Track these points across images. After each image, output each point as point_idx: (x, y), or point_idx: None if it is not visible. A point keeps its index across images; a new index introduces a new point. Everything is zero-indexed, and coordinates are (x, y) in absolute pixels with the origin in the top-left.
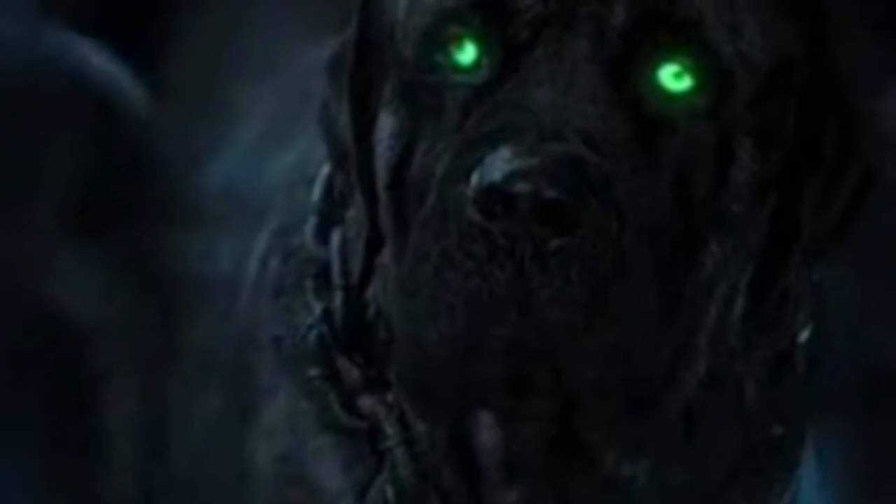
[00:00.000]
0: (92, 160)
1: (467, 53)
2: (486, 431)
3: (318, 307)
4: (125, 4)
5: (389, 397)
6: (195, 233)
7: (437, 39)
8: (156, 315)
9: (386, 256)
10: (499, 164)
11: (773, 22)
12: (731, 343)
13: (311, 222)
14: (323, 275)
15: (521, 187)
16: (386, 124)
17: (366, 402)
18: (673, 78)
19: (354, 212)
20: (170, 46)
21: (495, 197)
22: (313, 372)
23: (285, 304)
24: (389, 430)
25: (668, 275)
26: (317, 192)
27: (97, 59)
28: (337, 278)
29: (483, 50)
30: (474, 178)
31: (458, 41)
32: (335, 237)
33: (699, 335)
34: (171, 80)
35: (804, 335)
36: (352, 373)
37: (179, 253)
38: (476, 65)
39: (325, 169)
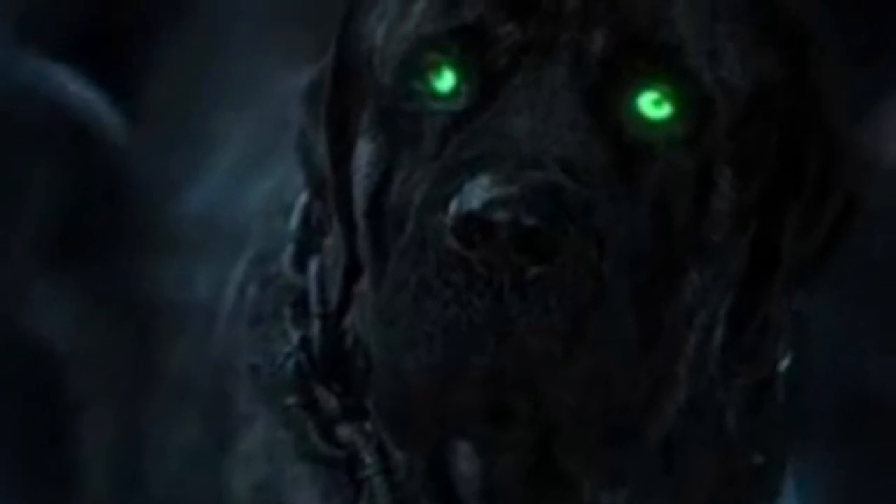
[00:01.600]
0: (69, 188)
1: (446, 81)
2: (465, 461)
3: (295, 335)
4: (102, 32)
5: (368, 426)
6: (173, 260)
7: (416, 67)
8: (133, 343)
9: (364, 285)
10: (477, 192)
11: (754, 49)
12: (712, 371)
13: (289, 250)
14: (301, 303)
15: (500, 215)
16: (364, 152)
17: (344, 431)
18: (652, 105)
19: (332, 240)
20: (147, 74)
21: (474, 225)
22: (291, 400)
23: (263, 333)
24: (368, 459)
25: (647, 303)
26: (294, 220)
27: (74, 87)
28: (315, 306)
29: (461, 77)
30: (453, 206)
31: (436, 68)
32: (313, 265)
33: (679, 363)
34: (148, 107)
35: (785, 363)
36: (330, 401)
37: (157, 281)
38: (454, 92)
39: (303, 197)
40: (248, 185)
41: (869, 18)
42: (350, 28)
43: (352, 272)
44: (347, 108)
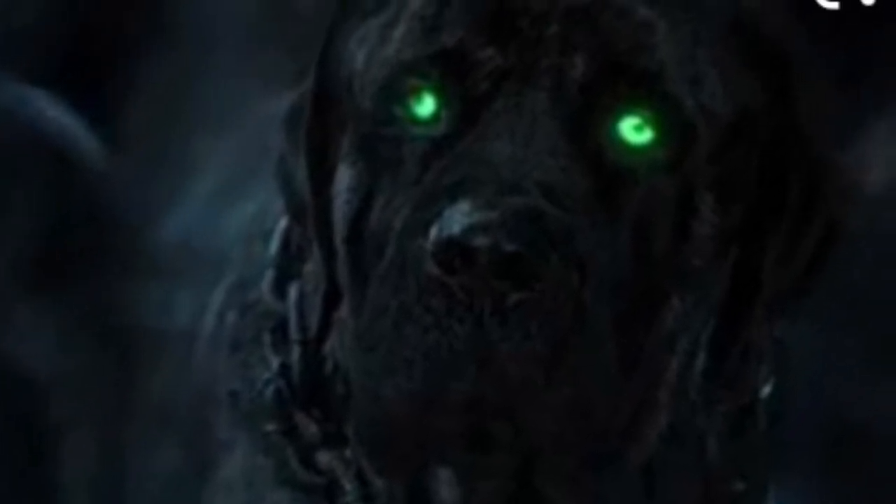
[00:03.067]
0: (48, 213)
1: (426, 106)
2: (445, 487)
3: (275, 362)
4: (81, 57)
5: (347, 453)
6: (152, 285)
7: (396, 92)
8: (113, 368)
9: (344, 311)
10: (458, 218)
11: (735, 74)
12: (693, 398)
13: (269, 276)
14: (280, 329)
15: (480, 241)
16: (344, 177)
17: (323, 458)
18: (634, 130)
19: (312, 266)
20: (126, 99)
21: (454, 251)
22: (271, 427)
23: (242, 359)
24: (347, 485)
25: (628, 328)
26: (274, 246)
27: (53, 112)
28: (294, 333)
29: (442, 103)
30: (433, 232)
31: (416, 94)
32: (292, 291)
33: (660, 389)
34: (127, 132)
35: (766, 390)
36: (309, 428)
37: (137, 306)
38: (435, 117)
39: (283, 222)
40: (227, 210)
41: (849, 44)
42: (330, 53)
43: (331, 298)
44: (327, 134)
